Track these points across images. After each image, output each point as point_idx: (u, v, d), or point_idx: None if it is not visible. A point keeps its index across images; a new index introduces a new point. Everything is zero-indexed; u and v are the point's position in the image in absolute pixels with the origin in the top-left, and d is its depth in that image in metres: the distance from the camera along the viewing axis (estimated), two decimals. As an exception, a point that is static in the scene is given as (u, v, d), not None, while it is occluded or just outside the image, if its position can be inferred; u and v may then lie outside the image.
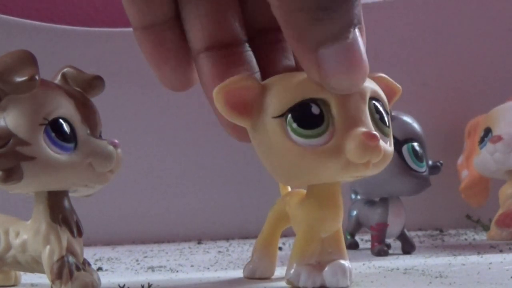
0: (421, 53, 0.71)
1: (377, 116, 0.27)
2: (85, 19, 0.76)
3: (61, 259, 0.28)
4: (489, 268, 0.36)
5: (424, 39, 0.72)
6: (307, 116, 0.26)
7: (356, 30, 0.25)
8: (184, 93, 0.66)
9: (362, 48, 0.25)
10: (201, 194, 0.67)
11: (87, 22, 0.75)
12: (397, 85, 0.30)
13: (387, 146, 0.28)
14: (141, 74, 0.67)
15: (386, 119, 0.28)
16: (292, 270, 0.29)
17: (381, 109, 0.27)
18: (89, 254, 0.54)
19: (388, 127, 0.28)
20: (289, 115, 0.26)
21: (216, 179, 0.68)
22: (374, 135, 0.25)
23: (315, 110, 0.26)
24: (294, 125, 0.26)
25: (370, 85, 0.27)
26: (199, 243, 0.63)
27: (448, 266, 0.38)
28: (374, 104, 0.27)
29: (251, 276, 0.34)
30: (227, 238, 0.66)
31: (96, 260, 0.49)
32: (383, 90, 0.29)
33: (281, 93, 0.27)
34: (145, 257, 0.51)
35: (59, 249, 0.28)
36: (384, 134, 0.27)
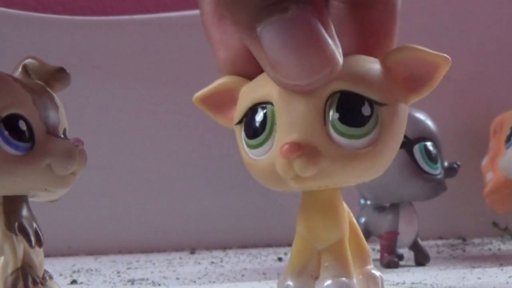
0: (443, 43, 0.70)
1: (335, 116, 0.24)
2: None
3: (16, 271, 0.28)
4: (507, 282, 0.36)
5: (447, 28, 0.71)
6: (251, 123, 0.26)
7: (305, 7, 0.23)
8: (174, 92, 0.67)
9: (315, 27, 0.23)
10: (195, 199, 0.67)
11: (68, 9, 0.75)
12: (439, 54, 0.25)
13: (338, 152, 0.25)
14: (130, 68, 0.67)
15: (353, 117, 0.24)
16: (283, 283, 0.29)
17: (347, 104, 0.24)
18: (68, 265, 0.54)
19: (360, 125, 0.24)
20: (243, 123, 0.26)
21: (211, 183, 0.67)
22: (292, 147, 0.24)
23: (259, 116, 0.25)
24: (243, 134, 0.26)
25: (340, 72, 0.24)
26: (192, 253, 0.63)
27: (461, 280, 0.37)
28: (338, 98, 0.24)
29: None
30: (223, 248, 0.66)
31: (73, 272, 0.49)
32: (413, 67, 0.25)
33: (242, 97, 0.27)
34: (128, 268, 0.51)
35: (14, 260, 0.28)
36: (348, 137, 0.24)
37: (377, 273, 0.29)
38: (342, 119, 0.24)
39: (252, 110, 0.26)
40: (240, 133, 0.26)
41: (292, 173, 0.24)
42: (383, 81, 0.25)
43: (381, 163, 0.25)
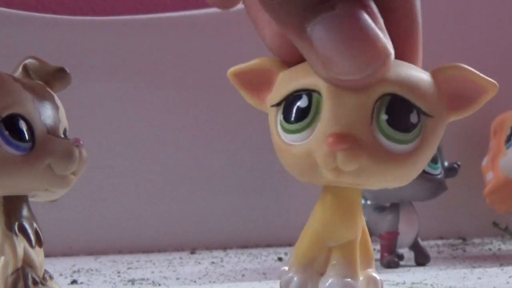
0: (442, 42, 0.70)
1: (383, 117, 0.24)
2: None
3: (16, 271, 0.28)
4: (507, 282, 0.36)
5: (446, 27, 0.71)
6: (292, 108, 0.25)
7: (352, 1, 0.23)
8: (175, 92, 0.67)
9: (365, 21, 0.23)
10: (196, 199, 0.67)
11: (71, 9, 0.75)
12: (489, 80, 0.25)
13: (380, 152, 0.25)
14: (130, 69, 0.67)
15: (401, 122, 0.24)
16: (287, 274, 0.28)
17: (397, 108, 0.24)
18: (68, 265, 0.54)
19: (405, 131, 0.25)
20: (282, 105, 0.26)
21: (212, 183, 0.67)
22: (340, 139, 0.24)
23: (303, 102, 0.25)
24: (281, 117, 0.26)
25: (392, 75, 0.24)
26: (192, 253, 0.63)
27: (461, 280, 0.37)
28: (389, 101, 0.24)
29: None
30: (224, 248, 0.66)
31: (74, 272, 0.49)
32: (462, 86, 0.25)
33: (284, 80, 0.26)
34: (129, 268, 0.51)
35: (14, 260, 0.28)
36: (393, 140, 0.25)
37: (377, 276, 0.29)
38: (390, 122, 0.24)
39: (295, 95, 0.25)
40: (275, 115, 0.26)
41: (333, 163, 0.24)
42: (433, 94, 0.25)
43: (414, 173, 0.26)
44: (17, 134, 0.27)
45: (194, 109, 0.67)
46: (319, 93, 0.25)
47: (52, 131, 0.29)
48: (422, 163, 0.26)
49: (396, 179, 0.26)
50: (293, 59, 0.27)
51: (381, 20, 0.24)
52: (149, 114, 0.67)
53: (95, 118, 0.66)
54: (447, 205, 0.67)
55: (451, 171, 0.48)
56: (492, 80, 0.25)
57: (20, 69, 0.30)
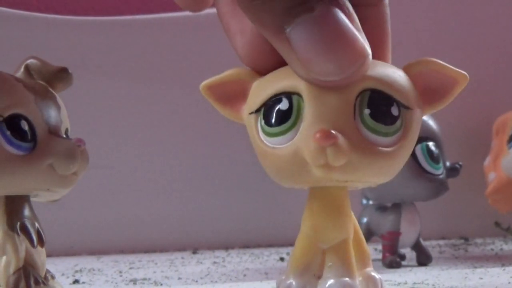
0: (443, 42, 0.70)
1: (366, 111, 0.25)
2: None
3: (18, 271, 0.28)
4: (509, 283, 0.36)
5: (447, 28, 0.71)
6: (273, 111, 0.26)
7: (330, 3, 0.23)
8: (177, 92, 0.67)
9: (343, 23, 0.23)
10: (198, 199, 0.67)
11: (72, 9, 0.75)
12: (459, 71, 0.26)
13: (367, 146, 0.25)
14: (132, 69, 0.67)
15: (384, 115, 0.25)
16: (285, 282, 0.29)
17: (378, 102, 0.25)
18: (70, 264, 0.54)
19: (388, 124, 0.25)
20: (262, 111, 0.26)
21: (214, 183, 0.67)
22: (328, 134, 0.24)
23: (283, 105, 0.26)
24: (262, 122, 0.26)
25: (370, 71, 0.25)
26: (194, 252, 0.63)
27: (463, 280, 0.37)
28: (369, 95, 0.25)
29: None
30: (226, 247, 0.66)
31: (76, 272, 0.49)
32: (433, 80, 0.26)
33: (259, 87, 0.27)
34: (131, 268, 0.51)
35: (16, 260, 0.28)
36: (377, 133, 0.25)
37: (376, 275, 0.29)
38: (373, 115, 0.25)
39: (274, 99, 0.26)
40: (255, 122, 0.26)
41: (323, 159, 0.24)
42: (410, 87, 0.26)
43: (398, 165, 0.26)
44: (19, 134, 0.28)
45: (196, 108, 0.67)
46: (299, 94, 0.25)
47: (54, 131, 0.29)
48: (404, 156, 0.26)
49: (381, 173, 0.26)
50: (264, 68, 0.27)
51: (357, 21, 0.24)
52: (151, 114, 0.67)
53: (97, 118, 0.66)
54: (449, 205, 0.67)
55: (453, 171, 0.48)
56: (463, 72, 0.26)
57: (22, 69, 0.30)
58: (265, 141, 0.26)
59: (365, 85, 0.25)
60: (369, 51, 0.24)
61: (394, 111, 0.25)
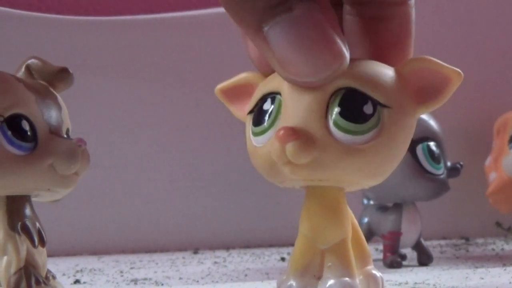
0: (444, 42, 0.70)
1: (336, 109, 0.25)
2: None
3: (19, 271, 0.28)
4: (510, 283, 0.36)
5: (448, 27, 0.71)
6: (258, 112, 0.26)
7: (310, 5, 0.23)
8: (178, 92, 0.67)
9: (321, 25, 0.23)
10: (199, 199, 0.67)
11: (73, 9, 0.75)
12: (452, 69, 0.25)
13: (332, 144, 0.25)
14: (133, 69, 0.67)
15: (354, 112, 0.25)
16: (286, 283, 0.29)
17: (350, 100, 0.25)
18: (71, 264, 0.54)
19: (359, 122, 0.25)
20: (254, 112, 0.27)
21: (215, 182, 0.67)
22: (288, 132, 0.24)
23: (267, 105, 0.26)
24: (251, 122, 0.27)
25: (348, 70, 0.25)
26: (195, 252, 0.63)
27: (464, 280, 0.37)
28: (343, 94, 0.25)
29: None
30: (226, 247, 0.66)
31: (77, 272, 0.49)
32: (426, 78, 0.26)
33: (258, 88, 0.27)
34: (132, 268, 0.51)
35: (17, 260, 0.28)
36: (345, 131, 0.25)
37: (377, 273, 0.29)
38: (342, 114, 0.25)
39: (262, 99, 0.27)
40: (249, 122, 0.27)
41: (284, 157, 0.25)
42: (392, 86, 0.25)
43: (378, 166, 0.26)
44: (19, 134, 0.28)
45: (196, 109, 0.67)
46: (280, 94, 0.26)
47: (54, 131, 0.29)
48: (385, 154, 0.25)
49: (363, 172, 0.26)
50: (273, 72, 0.27)
51: (338, 24, 0.24)
52: (151, 114, 0.67)
53: (98, 118, 0.66)
54: (450, 205, 0.67)
55: (454, 171, 0.48)
56: (457, 69, 0.26)
57: (23, 69, 0.31)
58: (252, 141, 0.27)
59: (340, 83, 0.25)
60: (347, 55, 0.24)
61: (368, 109, 0.25)
